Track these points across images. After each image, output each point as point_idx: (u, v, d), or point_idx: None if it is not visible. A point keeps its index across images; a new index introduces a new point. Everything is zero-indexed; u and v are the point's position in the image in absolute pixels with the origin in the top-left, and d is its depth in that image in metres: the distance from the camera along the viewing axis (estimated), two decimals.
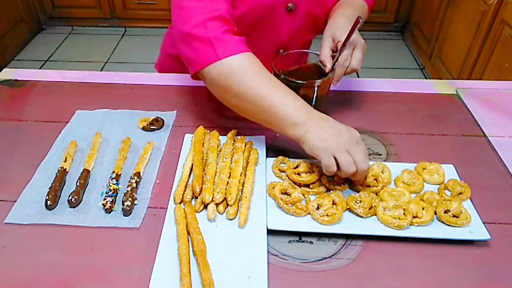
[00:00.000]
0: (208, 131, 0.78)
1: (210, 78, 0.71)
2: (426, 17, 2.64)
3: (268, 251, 0.59)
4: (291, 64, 0.84)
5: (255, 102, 0.67)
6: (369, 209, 0.63)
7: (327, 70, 0.77)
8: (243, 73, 0.68)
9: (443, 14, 2.36)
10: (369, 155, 0.77)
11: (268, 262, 0.57)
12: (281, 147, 0.77)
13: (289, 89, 0.68)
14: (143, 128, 0.81)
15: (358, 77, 2.61)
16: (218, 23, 0.70)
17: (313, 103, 0.78)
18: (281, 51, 0.93)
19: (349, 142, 0.63)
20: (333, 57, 0.77)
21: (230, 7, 0.74)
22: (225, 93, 0.71)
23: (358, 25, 0.73)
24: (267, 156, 0.74)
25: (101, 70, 2.65)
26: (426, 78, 2.56)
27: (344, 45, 0.74)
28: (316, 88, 0.76)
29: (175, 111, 0.86)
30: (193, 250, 0.58)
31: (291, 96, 0.67)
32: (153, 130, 0.81)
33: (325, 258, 0.59)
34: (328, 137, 0.63)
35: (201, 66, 0.70)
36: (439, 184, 0.69)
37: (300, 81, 0.74)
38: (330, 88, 0.81)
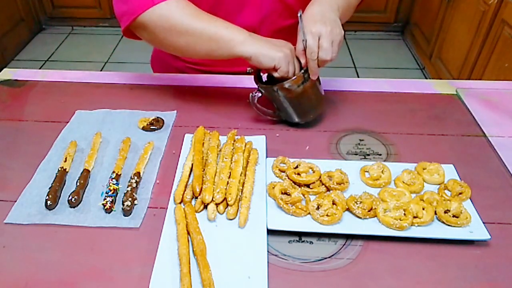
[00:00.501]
0: (208, 131, 0.78)
1: (152, 22, 0.75)
2: (426, 17, 2.64)
3: (268, 251, 0.59)
4: None
5: (202, 32, 0.73)
6: (369, 210, 0.63)
7: (302, 65, 0.75)
8: (182, 11, 0.74)
9: (443, 14, 2.36)
10: (369, 155, 0.77)
11: (268, 262, 0.57)
12: (281, 147, 0.77)
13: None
14: (143, 128, 0.81)
15: (358, 77, 2.62)
16: None
17: (298, 102, 0.77)
18: None
19: (292, 52, 0.74)
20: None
21: None
22: (170, 34, 0.75)
23: (301, 15, 0.72)
24: (267, 156, 0.74)
25: (101, 70, 2.65)
26: (426, 78, 2.56)
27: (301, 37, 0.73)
28: (290, 88, 0.74)
29: (175, 111, 0.86)
30: (193, 250, 0.58)
31: (229, 23, 0.75)
32: (153, 130, 0.81)
33: (325, 258, 0.59)
34: (279, 47, 0.72)
35: (139, 12, 0.74)
36: (439, 184, 0.69)
37: (266, 85, 0.75)
38: (323, 87, 0.80)
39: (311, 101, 0.79)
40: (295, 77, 0.74)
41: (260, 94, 0.78)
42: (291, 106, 0.78)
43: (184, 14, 0.74)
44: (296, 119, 0.81)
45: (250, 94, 0.78)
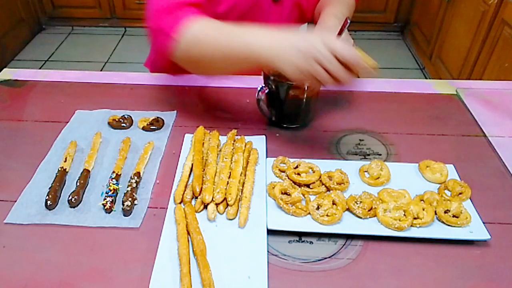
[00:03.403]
0: (208, 131, 0.78)
1: (183, 56, 0.72)
2: (426, 17, 2.64)
3: (268, 251, 0.59)
4: None
5: (231, 50, 0.68)
6: (369, 210, 0.63)
7: None
8: (206, 33, 0.69)
9: (443, 14, 2.36)
10: (369, 155, 0.77)
11: (268, 262, 0.57)
12: (281, 147, 0.77)
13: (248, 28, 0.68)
14: (143, 128, 0.81)
15: (358, 77, 2.61)
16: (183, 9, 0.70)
17: (303, 103, 0.78)
18: None
19: (319, 49, 0.60)
20: None
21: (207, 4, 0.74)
22: (204, 58, 0.71)
23: (347, 26, 0.71)
24: (267, 156, 0.74)
25: (101, 70, 2.65)
26: (426, 78, 2.56)
27: None
28: (306, 89, 0.75)
29: (175, 111, 0.86)
30: (193, 250, 0.58)
31: (256, 29, 0.67)
32: (153, 130, 0.81)
33: (325, 258, 0.59)
34: (299, 52, 0.61)
35: (170, 53, 0.71)
36: (440, 183, 0.69)
37: (290, 82, 0.74)
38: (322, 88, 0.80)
39: (308, 108, 0.80)
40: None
41: (268, 89, 0.77)
42: (289, 108, 0.78)
43: (208, 36, 0.69)
44: (284, 123, 0.82)
45: (260, 86, 0.77)
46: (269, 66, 0.70)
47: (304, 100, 0.77)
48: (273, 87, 0.76)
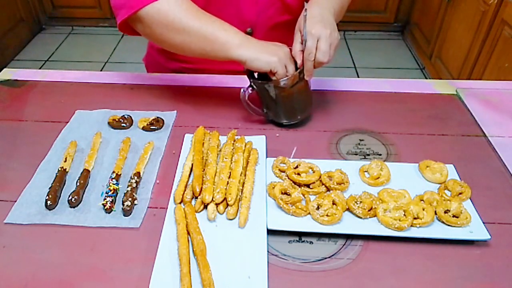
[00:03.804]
0: (208, 131, 0.78)
1: (150, 17, 0.74)
2: (426, 17, 2.64)
3: (268, 251, 0.59)
4: None
5: (198, 31, 0.73)
6: (369, 210, 0.63)
7: (298, 66, 0.76)
8: (181, 8, 0.74)
9: (443, 14, 2.36)
10: (369, 155, 0.77)
11: (268, 262, 0.57)
12: (281, 147, 0.77)
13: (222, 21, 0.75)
14: (143, 128, 0.81)
15: (358, 77, 2.62)
16: None
17: (288, 101, 0.77)
18: (248, 29, 0.91)
19: (287, 55, 0.74)
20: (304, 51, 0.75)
21: None
22: (166, 30, 0.75)
23: (306, 16, 0.72)
24: (267, 156, 0.74)
25: (101, 70, 2.65)
26: (426, 78, 2.56)
27: (302, 37, 0.73)
28: (284, 87, 0.74)
29: (175, 111, 0.86)
30: (193, 250, 0.58)
31: (227, 24, 0.75)
32: (153, 130, 0.81)
33: (325, 258, 0.59)
34: (274, 51, 0.72)
35: (139, 6, 0.74)
36: (440, 183, 0.69)
37: (260, 81, 0.75)
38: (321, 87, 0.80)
39: (301, 102, 0.80)
40: (290, 75, 0.74)
41: (251, 90, 0.78)
42: (281, 105, 0.78)
43: (182, 11, 0.74)
44: (284, 120, 0.81)
45: (242, 90, 0.78)
46: (237, 59, 0.73)
47: (294, 93, 0.76)
48: (255, 88, 0.77)
